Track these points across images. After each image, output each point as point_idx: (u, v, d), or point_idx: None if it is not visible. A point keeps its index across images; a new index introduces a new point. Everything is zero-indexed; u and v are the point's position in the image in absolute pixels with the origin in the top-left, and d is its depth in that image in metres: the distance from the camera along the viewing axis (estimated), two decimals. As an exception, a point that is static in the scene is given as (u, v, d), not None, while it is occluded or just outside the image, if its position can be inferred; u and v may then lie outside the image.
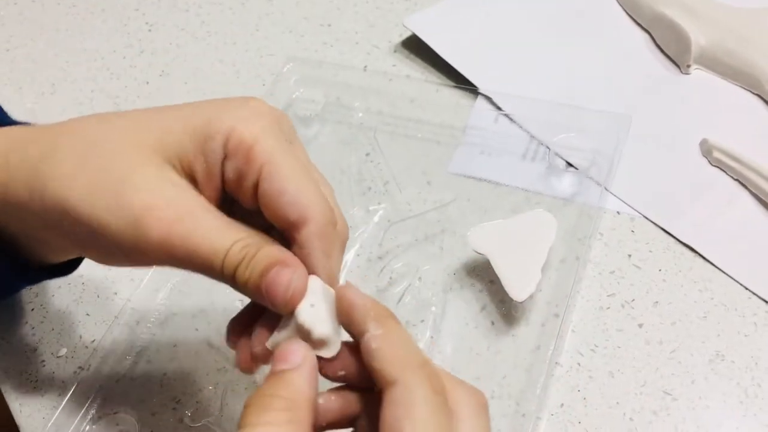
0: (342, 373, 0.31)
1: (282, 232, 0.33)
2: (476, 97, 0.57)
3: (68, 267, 0.41)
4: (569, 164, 0.53)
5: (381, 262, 0.49)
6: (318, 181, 0.34)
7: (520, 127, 0.55)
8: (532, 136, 0.55)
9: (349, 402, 0.31)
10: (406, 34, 0.63)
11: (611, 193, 0.51)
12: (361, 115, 0.57)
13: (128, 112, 0.35)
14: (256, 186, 0.33)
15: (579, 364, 0.44)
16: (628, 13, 0.62)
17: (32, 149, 0.34)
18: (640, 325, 0.45)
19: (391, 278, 0.49)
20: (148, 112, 0.34)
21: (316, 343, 0.31)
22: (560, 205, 0.51)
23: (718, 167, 0.52)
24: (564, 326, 0.45)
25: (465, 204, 0.52)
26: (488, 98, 0.57)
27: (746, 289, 0.46)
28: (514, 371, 0.44)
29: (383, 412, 0.28)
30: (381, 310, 0.30)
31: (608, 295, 0.47)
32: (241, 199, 0.34)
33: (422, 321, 0.47)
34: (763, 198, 0.49)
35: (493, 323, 0.46)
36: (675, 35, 0.57)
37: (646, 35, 0.60)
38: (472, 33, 0.61)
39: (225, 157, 0.33)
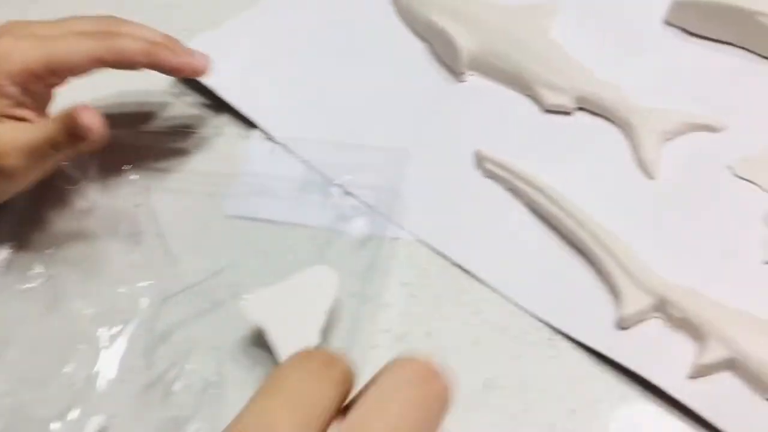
0: None
1: None
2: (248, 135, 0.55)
3: None
4: (347, 192, 0.51)
5: (153, 347, 0.45)
6: None
7: (299, 158, 0.53)
8: (310, 167, 0.52)
9: None
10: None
11: (399, 226, 0.49)
12: (132, 177, 0.53)
13: None
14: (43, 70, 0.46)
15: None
16: (407, 26, 0.60)
17: None
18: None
19: (164, 364, 0.44)
20: None
21: None
22: (354, 247, 0.49)
23: (491, 179, 0.50)
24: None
25: (247, 264, 0.49)
26: (267, 136, 0.54)
27: (521, 308, 0.45)
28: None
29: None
30: None
31: (383, 331, 0.45)
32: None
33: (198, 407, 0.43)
34: (535, 207, 0.48)
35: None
36: (445, 42, 0.56)
37: (427, 46, 0.59)
38: (245, 62, 0.58)
39: (26, 88, 0.46)
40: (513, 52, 0.54)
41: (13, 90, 0.45)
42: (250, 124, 0.55)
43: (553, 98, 0.52)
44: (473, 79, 0.56)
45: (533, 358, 0.43)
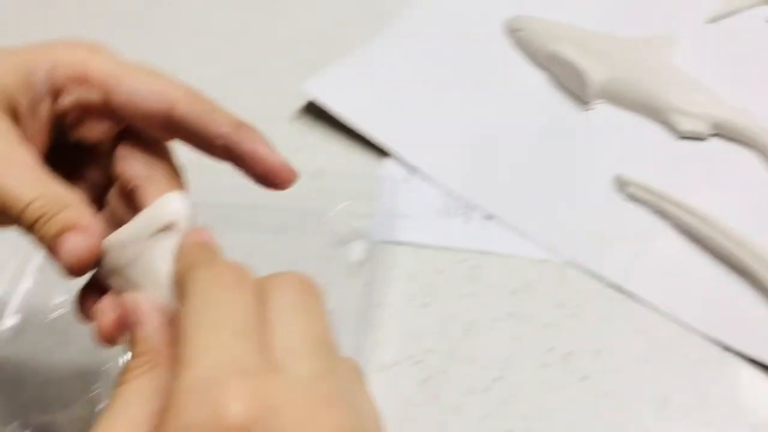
0: None
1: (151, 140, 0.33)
2: (384, 159, 0.56)
3: None
4: (488, 216, 0.52)
5: None
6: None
7: (436, 182, 0.54)
8: (448, 192, 0.53)
9: None
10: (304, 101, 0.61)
11: (535, 241, 0.50)
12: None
13: None
14: (102, 110, 0.32)
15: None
16: (525, 56, 0.62)
17: None
18: (584, 378, 0.44)
19: None
20: None
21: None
22: (485, 259, 0.50)
23: (634, 202, 0.51)
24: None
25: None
26: (398, 158, 0.55)
27: (686, 326, 0.46)
28: None
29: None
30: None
31: (547, 350, 0.45)
32: (86, 135, 0.33)
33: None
34: (685, 228, 0.49)
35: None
36: (573, 73, 0.57)
37: (546, 75, 0.60)
38: (373, 92, 0.60)
39: (57, 94, 0.32)
40: (643, 80, 0.55)
41: (42, 85, 0.32)
42: (378, 152, 0.56)
43: (688, 125, 0.53)
44: (600, 107, 0.57)
45: (705, 375, 0.43)
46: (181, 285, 0.28)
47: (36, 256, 0.51)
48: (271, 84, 0.64)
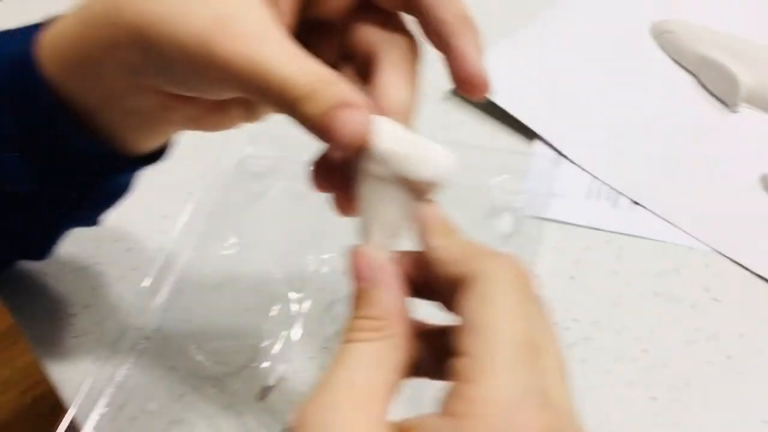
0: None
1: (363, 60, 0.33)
2: (532, 141, 0.59)
3: (151, 158, 0.41)
4: (634, 202, 0.55)
5: (335, 306, 0.50)
6: None
7: (582, 168, 0.57)
8: (595, 177, 0.56)
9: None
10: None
11: (680, 228, 0.53)
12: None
13: None
14: None
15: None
16: (671, 57, 0.64)
17: None
18: (729, 357, 0.47)
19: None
20: None
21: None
22: (631, 241, 0.53)
23: (781, 201, 0.54)
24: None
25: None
26: (546, 142, 0.59)
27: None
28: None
29: (463, 313, 0.27)
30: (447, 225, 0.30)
31: (693, 329, 0.48)
32: (327, 9, 0.33)
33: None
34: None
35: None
36: (722, 76, 0.60)
37: (691, 77, 0.63)
38: (523, 78, 0.63)
39: None
40: (792, 88, 0.58)
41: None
42: (527, 133, 0.59)
43: (836, 133, 0.56)
44: (746, 111, 0.59)
45: None
46: (470, 275, 0.28)
47: (209, 202, 0.56)
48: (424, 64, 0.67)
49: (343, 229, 0.53)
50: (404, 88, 0.32)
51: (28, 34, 0.36)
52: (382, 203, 0.31)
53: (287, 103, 0.29)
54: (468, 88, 0.32)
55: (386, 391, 0.27)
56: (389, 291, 0.29)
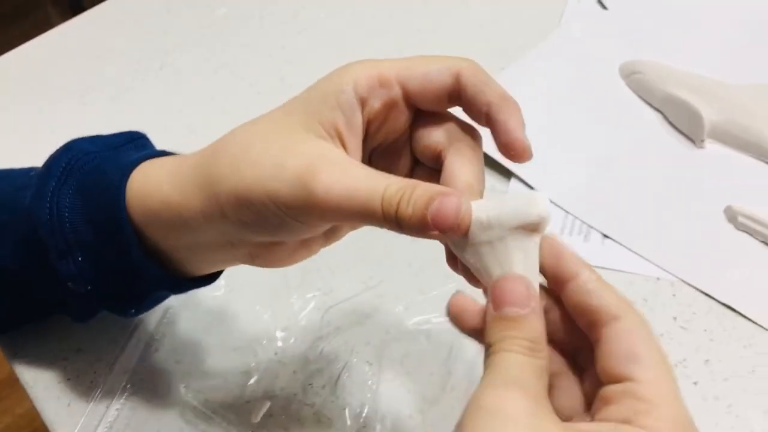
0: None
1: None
2: (509, 180, 0.62)
3: (210, 278, 0.46)
4: (605, 236, 0.57)
5: (319, 343, 0.53)
6: None
7: (556, 204, 0.59)
8: (567, 212, 0.59)
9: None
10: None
11: (649, 260, 0.55)
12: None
13: (266, 114, 0.39)
14: (400, 101, 0.37)
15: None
16: (640, 97, 0.67)
17: (194, 166, 0.39)
18: (695, 383, 0.49)
19: (329, 359, 0.52)
20: (286, 105, 0.39)
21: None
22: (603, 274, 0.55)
23: (744, 231, 0.56)
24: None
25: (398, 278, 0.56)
26: (522, 180, 0.61)
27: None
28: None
29: (610, 345, 0.32)
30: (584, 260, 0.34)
31: (660, 357, 0.50)
32: (391, 130, 0.39)
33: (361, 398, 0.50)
34: (791, 257, 0.53)
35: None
36: (687, 113, 0.62)
37: (659, 115, 0.65)
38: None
39: (364, 104, 0.37)
40: (755, 123, 0.60)
41: (352, 100, 0.36)
42: (505, 171, 0.62)
43: (795, 164, 0.58)
44: (711, 146, 0.62)
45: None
46: (614, 310, 0.33)
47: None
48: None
49: (328, 270, 0.56)
50: (471, 169, 0.37)
51: (119, 171, 0.41)
52: (511, 257, 0.34)
53: (387, 217, 0.33)
54: (513, 154, 0.37)
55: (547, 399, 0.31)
56: (541, 319, 0.33)
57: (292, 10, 0.78)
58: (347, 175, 0.34)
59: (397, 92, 0.37)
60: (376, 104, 0.37)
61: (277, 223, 0.36)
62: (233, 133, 0.39)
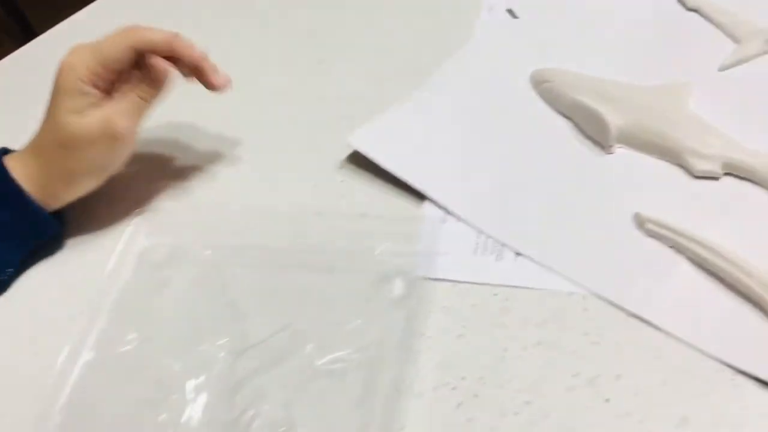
0: None
1: None
2: (422, 202, 0.61)
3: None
4: (518, 254, 0.56)
5: (232, 394, 0.52)
6: None
7: (468, 224, 0.59)
8: (480, 231, 0.58)
9: None
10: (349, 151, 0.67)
11: (561, 274, 0.54)
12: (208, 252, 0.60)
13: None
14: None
15: (556, 447, 0.46)
16: (550, 105, 0.67)
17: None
18: (607, 400, 0.48)
19: (241, 408, 0.51)
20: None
21: None
22: (516, 292, 0.54)
23: (652, 238, 0.55)
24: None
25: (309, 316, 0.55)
26: (434, 202, 0.61)
27: (701, 352, 0.49)
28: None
29: None
30: None
31: (572, 376, 0.50)
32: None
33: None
34: (699, 261, 0.53)
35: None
36: (593, 119, 0.62)
37: (569, 123, 0.65)
38: (411, 142, 0.65)
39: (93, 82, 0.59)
40: (660, 125, 0.60)
41: (87, 89, 0.58)
42: (418, 195, 0.61)
43: (702, 166, 0.58)
44: (620, 151, 0.62)
45: (720, 396, 0.47)
46: None
47: (109, 299, 0.58)
48: (319, 136, 0.70)
49: (239, 313, 0.55)
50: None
51: None
52: None
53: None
54: (214, 86, 0.62)
55: None
56: None
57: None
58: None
59: (106, 73, 0.59)
60: (101, 81, 0.59)
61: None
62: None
